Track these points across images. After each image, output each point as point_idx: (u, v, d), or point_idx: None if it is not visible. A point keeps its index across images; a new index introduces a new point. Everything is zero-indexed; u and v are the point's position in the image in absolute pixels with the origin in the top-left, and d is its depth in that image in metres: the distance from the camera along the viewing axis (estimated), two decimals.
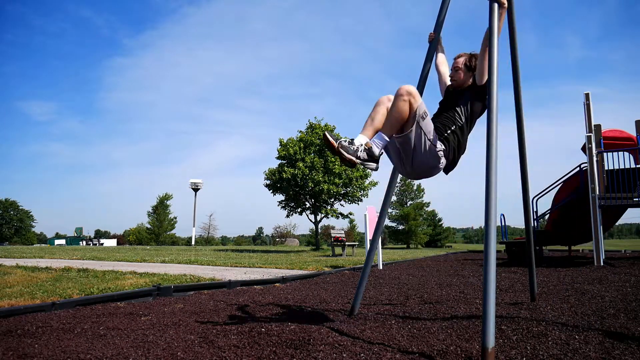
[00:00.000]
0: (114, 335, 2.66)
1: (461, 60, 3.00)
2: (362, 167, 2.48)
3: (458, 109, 2.87)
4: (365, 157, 2.45)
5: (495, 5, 2.68)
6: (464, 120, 2.84)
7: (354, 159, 2.40)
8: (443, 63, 3.39)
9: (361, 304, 3.65)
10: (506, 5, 2.80)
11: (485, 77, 2.84)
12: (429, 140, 2.56)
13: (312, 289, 5.00)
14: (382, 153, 2.53)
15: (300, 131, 22.98)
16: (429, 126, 2.57)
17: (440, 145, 2.65)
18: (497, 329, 2.66)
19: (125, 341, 2.51)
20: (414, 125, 2.51)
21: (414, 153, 2.58)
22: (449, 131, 2.76)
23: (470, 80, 2.96)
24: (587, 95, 9.09)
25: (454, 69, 3.01)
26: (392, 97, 2.56)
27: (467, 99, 2.90)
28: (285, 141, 22.46)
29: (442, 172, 2.84)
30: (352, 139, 2.48)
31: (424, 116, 2.55)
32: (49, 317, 3.19)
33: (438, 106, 3.08)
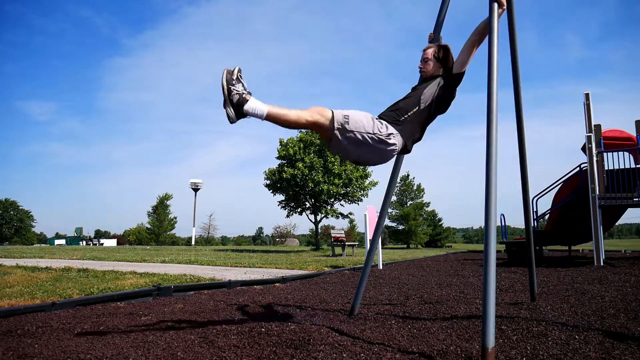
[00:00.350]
0: (114, 335, 2.66)
1: (430, 51, 2.92)
2: (225, 106, 2.31)
3: (425, 90, 2.75)
4: (236, 99, 2.29)
5: (495, 5, 2.68)
6: (426, 104, 2.71)
7: (225, 85, 2.28)
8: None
9: (361, 304, 3.65)
10: (505, 6, 2.80)
11: (465, 68, 2.80)
12: (366, 133, 2.46)
13: (312, 289, 5.00)
14: (246, 116, 2.36)
15: (301, 131, 22.99)
16: (358, 123, 2.46)
17: (385, 129, 2.53)
18: (497, 329, 2.66)
19: (125, 341, 2.51)
20: (341, 133, 2.44)
21: (352, 147, 2.49)
22: (405, 116, 2.64)
23: (440, 71, 2.88)
24: (587, 95, 9.09)
25: (423, 60, 2.93)
26: (314, 115, 2.44)
27: (438, 82, 2.78)
28: (285, 141, 22.47)
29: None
30: (249, 92, 2.35)
31: (346, 120, 2.45)
32: (49, 317, 3.19)
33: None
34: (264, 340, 2.49)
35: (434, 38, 3.29)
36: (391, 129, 2.56)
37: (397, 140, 2.57)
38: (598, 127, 9.22)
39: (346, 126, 2.45)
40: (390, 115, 2.64)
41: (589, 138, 8.56)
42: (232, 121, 2.35)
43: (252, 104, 2.32)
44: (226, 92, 2.31)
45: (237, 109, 2.33)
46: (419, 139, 2.77)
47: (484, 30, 2.77)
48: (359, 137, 2.46)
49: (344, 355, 2.21)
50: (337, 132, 2.45)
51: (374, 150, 2.54)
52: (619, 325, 2.85)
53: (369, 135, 2.48)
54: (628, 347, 2.33)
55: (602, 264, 8.05)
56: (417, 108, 2.69)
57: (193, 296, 4.36)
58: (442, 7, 3.31)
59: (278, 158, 22.57)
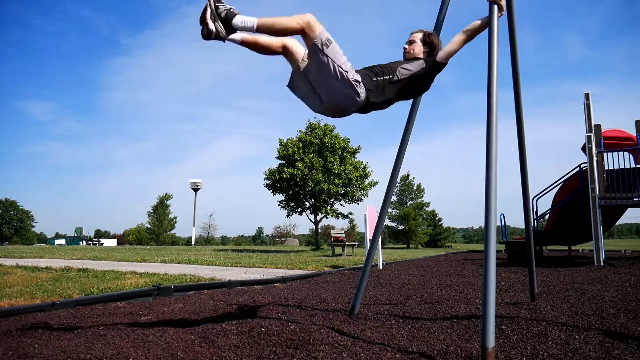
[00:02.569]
0: (114, 335, 2.66)
1: (419, 35, 2.86)
2: (213, 21, 2.26)
3: (406, 69, 2.67)
4: (224, 14, 2.26)
5: (495, 7, 2.69)
6: (400, 78, 2.63)
7: (212, 1, 2.24)
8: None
9: (361, 304, 3.65)
10: (505, 9, 2.80)
11: (448, 59, 2.74)
12: (339, 66, 2.37)
13: (312, 289, 5.00)
14: (235, 31, 2.32)
15: (300, 131, 23.01)
16: (337, 54, 2.38)
17: (355, 76, 2.45)
18: (497, 329, 2.66)
19: (125, 341, 2.51)
20: (317, 51, 2.35)
21: (321, 77, 2.41)
22: (377, 78, 2.56)
23: (424, 55, 2.80)
24: (587, 95, 9.09)
25: (409, 42, 2.85)
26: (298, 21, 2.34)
27: (407, 62, 2.71)
28: (285, 141, 22.48)
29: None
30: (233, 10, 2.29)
31: (328, 43, 2.36)
32: (49, 317, 3.19)
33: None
34: (264, 340, 2.49)
35: None
36: (359, 78, 2.46)
37: (362, 91, 2.46)
38: (598, 127, 9.22)
39: (325, 49, 2.35)
40: (363, 71, 2.56)
41: (589, 138, 8.56)
42: (222, 37, 2.29)
43: (241, 17, 2.28)
44: (213, 5, 2.25)
45: (225, 22, 2.27)
46: (379, 106, 2.65)
47: (478, 29, 2.74)
48: (331, 66, 2.35)
49: (344, 355, 2.21)
50: (313, 48, 2.34)
51: (338, 90, 2.41)
52: (619, 325, 2.85)
53: (340, 70, 2.37)
54: (628, 347, 2.33)
55: (602, 264, 8.05)
56: (390, 77, 2.60)
57: (193, 296, 4.36)
58: (442, 7, 3.31)
59: (278, 158, 22.58)
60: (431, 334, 2.64)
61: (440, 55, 2.75)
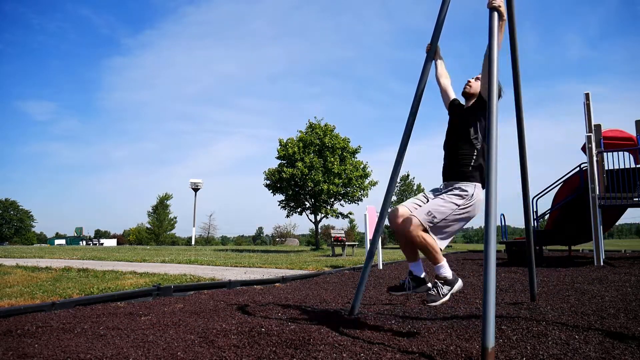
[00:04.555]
0: (114, 335, 2.67)
1: (476, 84, 3.02)
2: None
3: (471, 130, 2.85)
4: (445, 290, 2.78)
5: (495, 14, 2.70)
6: (481, 138, 2.83)
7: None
8: (443, 75, 3.31)
9: (361, 304, 3.65)
10: (505, 17, 2.81)
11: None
12: (448, 210, 2.72)
13: (312, 289, 5.00)
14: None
15: (300, 131, 22.99)
16: (436, 213, 2.70)
17: (461, 190, 2.76)
18: (497, 329, 2.66)
19: (125, 341, 2.51)
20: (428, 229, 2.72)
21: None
22: (470, 167, 2.79)
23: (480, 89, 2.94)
24: (587, 95, 9.09)
25: (468, 84, 3.04)
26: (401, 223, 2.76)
27: (479, 114, 2.87)
28: (285, 141, 22.46)
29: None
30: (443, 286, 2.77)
31: (431, 220, 2.68)
32: (49, 317, 3.19)
33: (447, 127, 3.07)
34: (264, 340, 2.49)
35: (430, 49, 3.27)
36: (466, 191, 2.78)
37: (474, 192, 2.78)
38: (598, 127, 9.22)
39: (434, 220, 2.70)
40: (461, 170, 2.85)
41: (589, 138, 8.56)
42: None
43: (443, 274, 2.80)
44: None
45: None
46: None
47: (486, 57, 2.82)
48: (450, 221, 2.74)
49: (344, 355, 2.21)
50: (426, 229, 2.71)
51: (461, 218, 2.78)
52: (619, 325, 2.85)
53: (454, 215, 2.73)
54: (628, 347, 2.33)
55: (602, 264, 8.05)
56: (476, 142, 2.87)
57: (193, 296, 4.36)
58: (442, 7, 3.31)
59: (278, 158, 22.57)
60: (431, 334, 2.64)
61: (483, 92, 2.91)
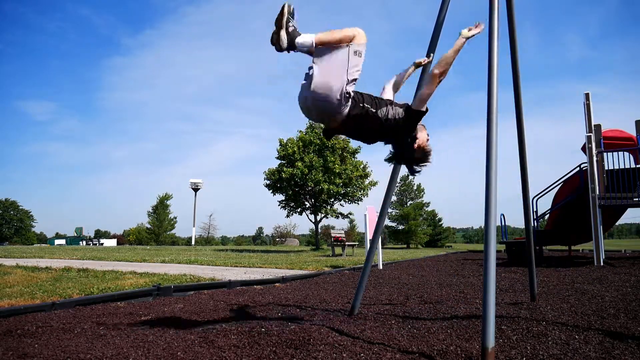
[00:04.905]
0: (114, 335, 2.67)
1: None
2: (280, 30, 2.39)
3: (392, 110, 2.57)
4: (291, 29, 2.40)
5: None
6: (378, 114, 2.53)
7: (287, 14, 2.39)
8: (389, 90, 3.01)
9: (361, 304, 3.65)
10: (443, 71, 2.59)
11: (424, 105, 2.63)
12: (347, 71, 2.38)
13: (312, 289, 5.00)
14: (294, 49, 2.42)
15: (300, 131, 22.98)
16: (357, 64, 2.41)
17: (351, 90, 2.44)
18: (497, 329, 2.66)
19: (125, 341, 2.51)
20: (342, 48, 2.40)
21: (322, 65, 2.41)
22: (367, 106, 2.51)
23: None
24: (587, 95, 9.09)
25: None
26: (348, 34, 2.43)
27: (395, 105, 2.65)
28: (285, 141, 22.46)
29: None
30: (297, 31, 2.43)
31: (359, 54, 2.42)
32: (49, 317, 3.19)
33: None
34: (264, 340, 2.49)
35: (427, 61, 3.20)
36: (352, 93, 2.45)
37: (347, 105, 2.44)
38: (598, 127, 9.22)
39: (353, 53, 2.43)
40: (357, 93, 2.53)
41: (589, 138, 8.56)
42: (280, 47, 2.40)
43: (302, 39, 2.40)
44: (284, 20, 2.38)
45: (289, 36, 2.40)
46: (347, 131, 2.60)
47: (449, 60, 2.55)
48: (344, 64, 2.39)
49: (344, 355, 2.21)
50: (346, 46, 2.41)
51: (335, 87, 2.39)
52: (619, 325, 2.85)
53: (347, 75, 2.39)
54: (628, 347, 2.33)
55: (602, 264, 8.05)
56: (373, 110, 2.54)
57: (193, 296, 4.36)
58: (442, 7, 3.31)
59: (278, 158, 22.57)
60: (431, 334, 2.64)
61: (414, 102, 2.64)
